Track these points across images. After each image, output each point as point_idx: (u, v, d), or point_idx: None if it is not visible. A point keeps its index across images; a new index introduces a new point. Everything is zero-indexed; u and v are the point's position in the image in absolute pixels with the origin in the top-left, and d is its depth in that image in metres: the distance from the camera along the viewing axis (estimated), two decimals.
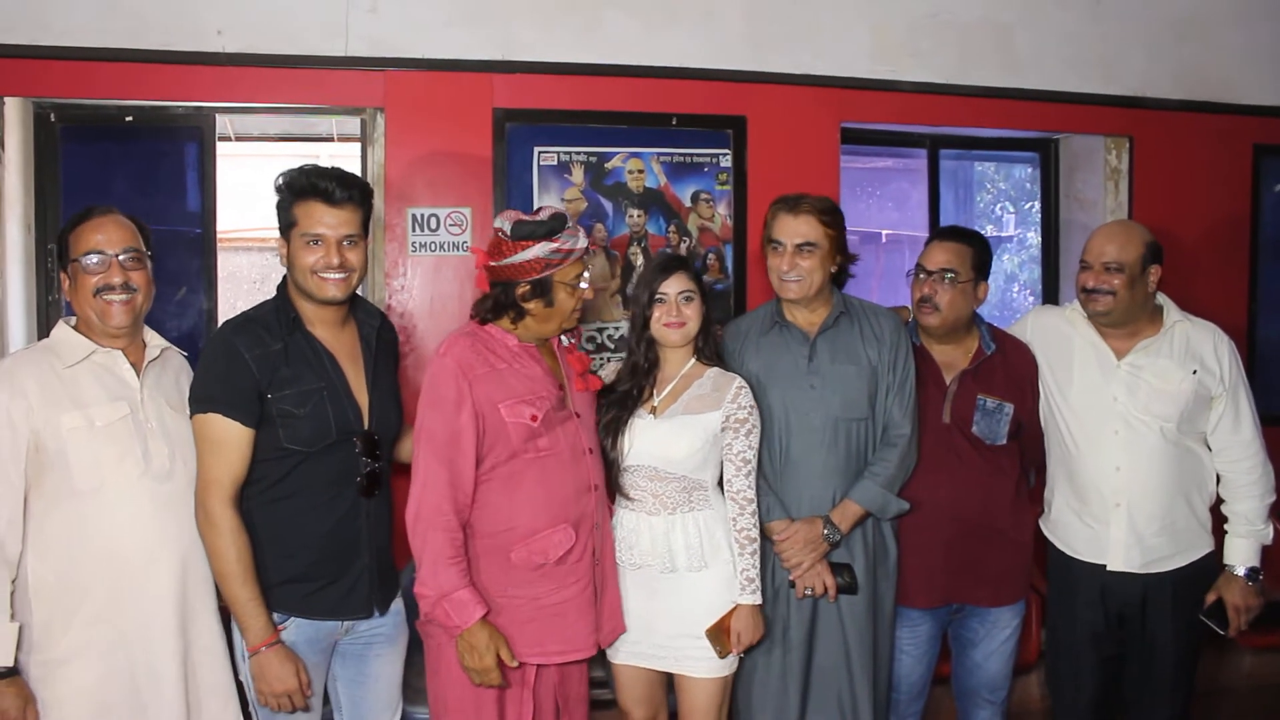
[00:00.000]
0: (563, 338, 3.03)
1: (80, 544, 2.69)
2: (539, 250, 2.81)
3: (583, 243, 2.86)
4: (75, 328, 2.85)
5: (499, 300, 2.89)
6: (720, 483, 3.04)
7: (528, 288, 2.84)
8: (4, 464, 2.65)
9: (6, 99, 3.98)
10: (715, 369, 3.09)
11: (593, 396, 3.03)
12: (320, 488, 2.80)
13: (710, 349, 3.11)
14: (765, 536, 3.11)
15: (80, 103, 4.06)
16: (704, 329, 3.08)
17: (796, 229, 3.16)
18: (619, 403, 3.05)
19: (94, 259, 2.78)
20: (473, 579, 2.78)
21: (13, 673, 2.64)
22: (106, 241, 2.79)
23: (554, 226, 2.83)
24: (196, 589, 2.81)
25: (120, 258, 2.80)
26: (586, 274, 2.90)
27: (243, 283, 8.00)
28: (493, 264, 2.86)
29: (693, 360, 3.10)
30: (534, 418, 2.81)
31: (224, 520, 2.71)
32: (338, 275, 2.80)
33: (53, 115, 4.10)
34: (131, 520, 2.72)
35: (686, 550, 2.97)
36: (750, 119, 4.43)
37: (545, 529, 2.83)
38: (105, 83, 3.98)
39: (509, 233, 2.84)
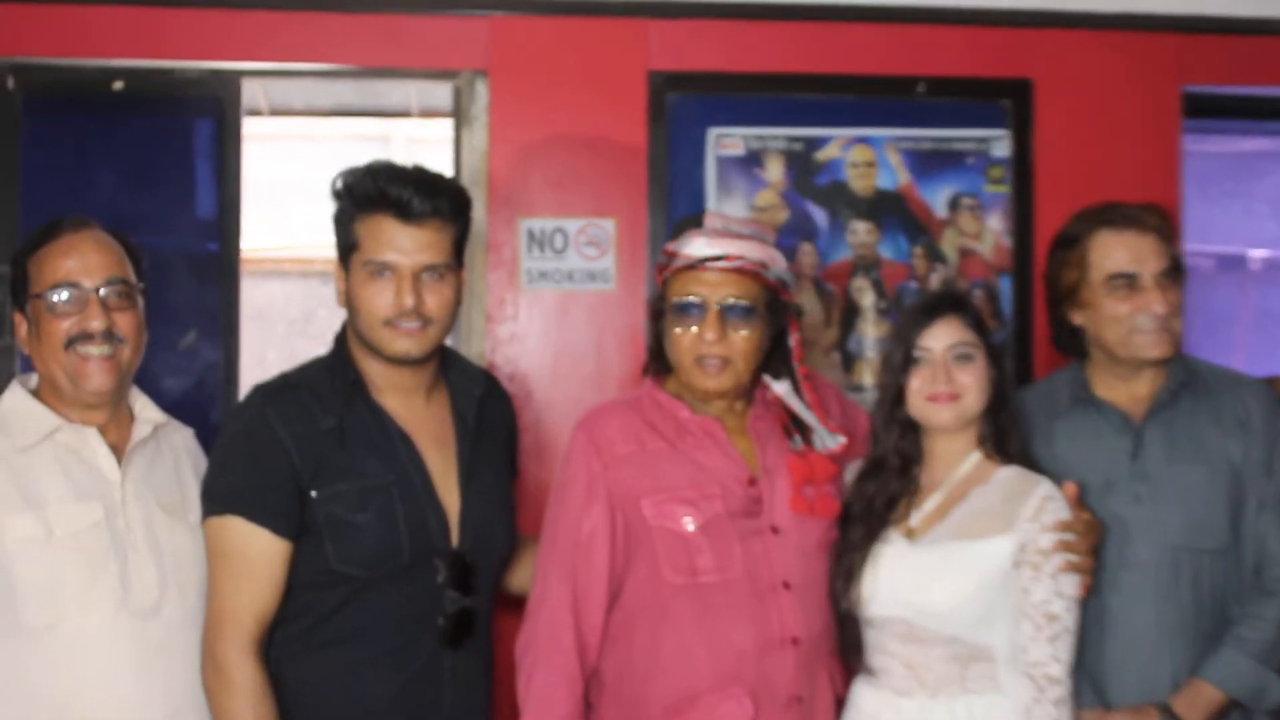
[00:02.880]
0: (810, 426, 3.05)
1: (27, 705, 2.73)
2: (661, 257, 3.03)
3: (704, 249, 2.94)
4: (34, 392, 2.94)
5: (657, 343, 3.06)
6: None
7: (653, 312, 3.06)
8: None
9: None
10: (1011, 468, 3.05)
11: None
12: (385, 632, 2.86)
13: (1004, 436, 3.08)
14: None
15: (51, 63, 4.12)
16: (995, 404, 3.06)
17: (1145, 253, 3.16)
18: (858, 519, 3.04)
19: (64, 295, 2.84)
20: None
21: None
22: (82, 270, 2.85)
23: (681, 224, 3.02)
24: None
25: (101, 292, 2.86)
26: (694, 298, 2.93)
27: (277, 323, 8.23)
28: None
29: (975, 454, 3.07)
30: (690, 523, 2.89)
31: (242, 674, 2.75)
32: (412, 323, 2.88)
33: (11, 80, 4.16)
34: (100, 673, 2.75)
35: None
36: (1038, 83, 4.37)
37: (705, 694, 2.88)
38: (86, 35, 4.05)
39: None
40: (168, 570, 2.84)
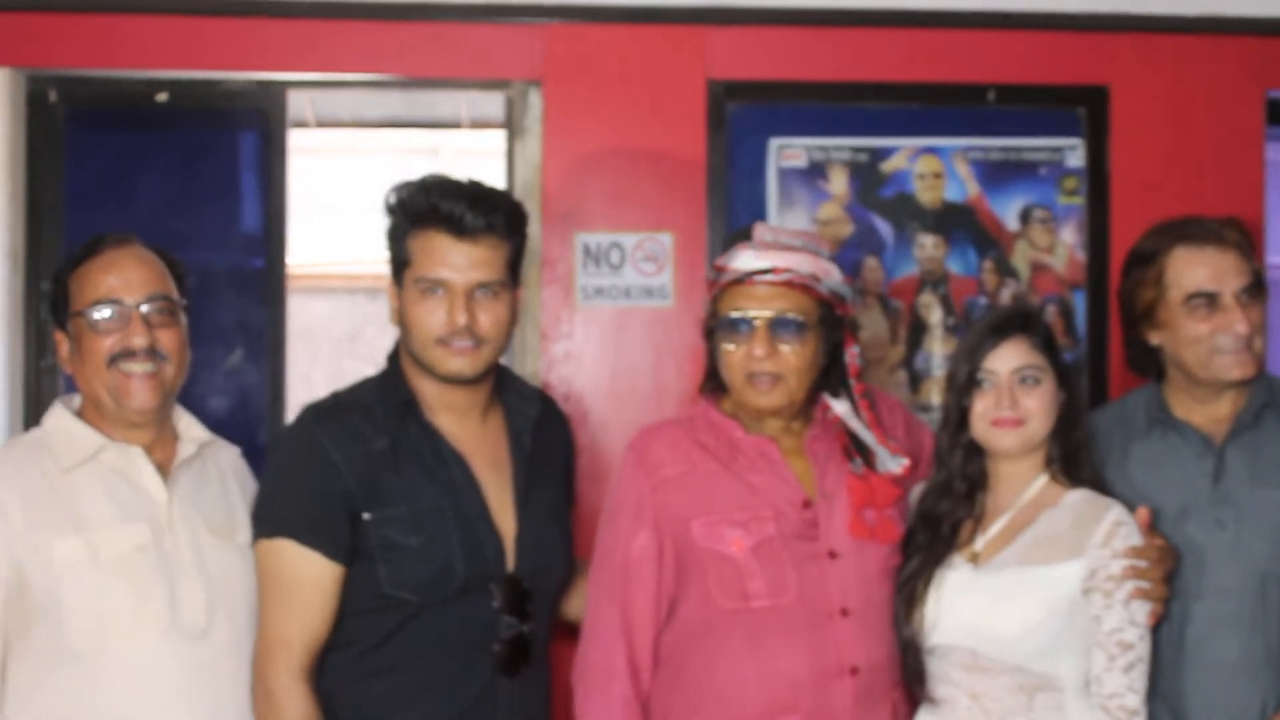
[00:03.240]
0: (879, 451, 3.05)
1: None
2: (709, 272, 3.09)
3: (753, 263, 2.95)
4: (78, 413, 2.95)
5: (714, 365, 3.08)
6: (1088, 682, 2.94)
7: (705, 330, 3.08)
8: None
9: None
10: (1080, 491, 3.04)
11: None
12: (439, 659, 2.88)
13: (1074, 458, 3.07)
14: None
15: (94, 75, 4.21)
16: (1064, 426, 3.05)
17: (1225, 270, 3.13)
18: (921, 545, 3.05)
19: (106, 312, 2.87)
20: None
21: None
22: (123, 286, 2.88)
23: (731, 239, 3.06)
24: None
25: (143, 309, 2.89)
26: (743, 314, 2.94)
27: (322, 341, 8.23)
28: None
29: (1042, 478, 3.07)
30: (740, 546, 2.90)
31: (293, 701, 2.77)
32: (464, 342, 2.90)
33: (54, 93, 4.25)
34: (148, 697, 2.78)
35: None
36: (1115, 89, 4.35)
37: None
38: (129, 45, 4.11)
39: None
40: (216, 593, 2.86)
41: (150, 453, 2.91)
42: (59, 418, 2.93)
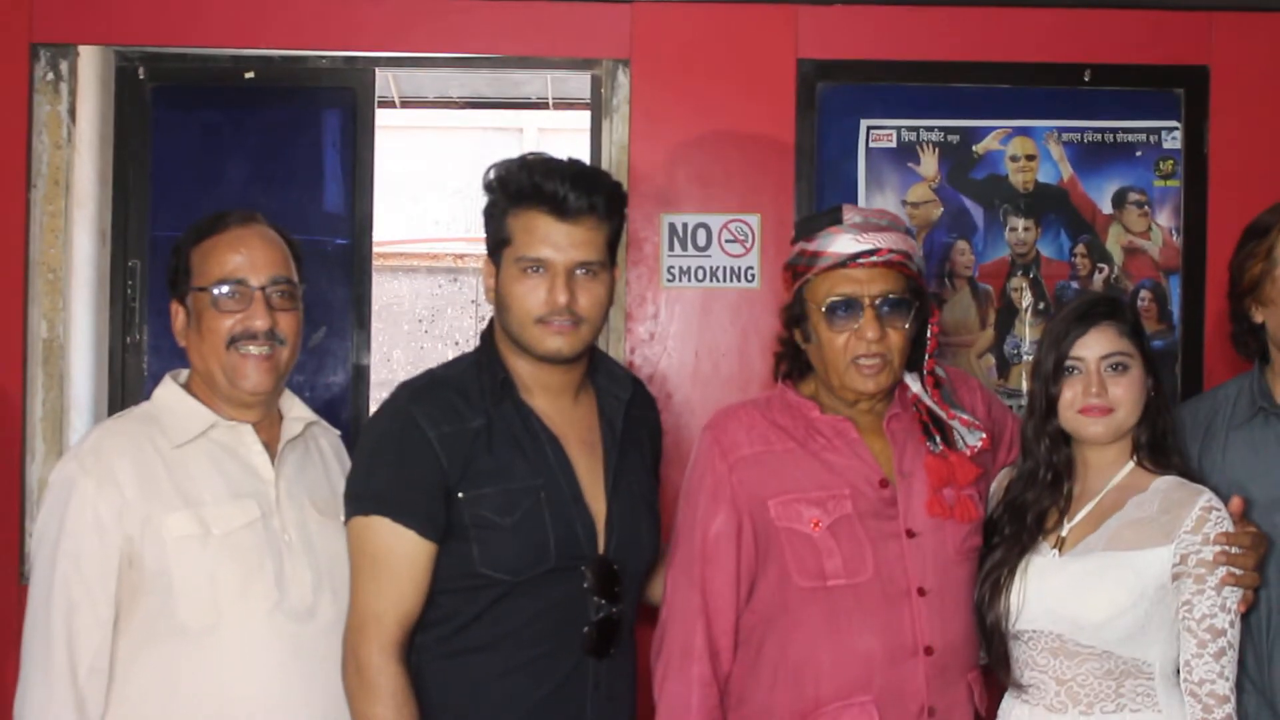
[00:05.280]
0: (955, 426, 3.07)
1: (179, 707, 2.80)
2: (792, 256, 3.06)
3: (853, 245, 2.96)
4: (186, 386, 2.99)
5: (789, 347, 3.11)
6: (1177, 669, 2.96)
7: (787, 316, 3.08)
8: (88, 585, 2.78)
9: (81, 48, 4.24)
10: (1169, 478, 3.05)
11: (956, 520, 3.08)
12: (529, 639, 2.89)
13: (1161, 445, 3.08)
14: None
15: (182, 52, 4.31)
16: (1150, 414, 3.06)
17: None
18: (1006, 533, 3.06)
19: (230, 292, 2.90)
20: None
21: None
22: (249, 266, 2.92)
23: (814, 222, 3.04)
24: None
25: (267, 290, 2.92)
26: (848, 297, 2.95)
27: (402, 320, 8.21)
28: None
29: (1130, 464, 3.08)
30: (817, 524, 2.94)
31: (384, 677, 2.79)
32: (564, 321, 2.90)
33: (142, 71, 4.36)
34: (256, 675, 2.83)
35: None
36: (1215, 70, 4.34)
37: (831, 702, 2.94)
38: (218, 23, 4.21)
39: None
40: (322, 572, 2.91)
41: (258, 431, 2.96)
42: (170, 393, 2.96)
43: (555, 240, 2.87)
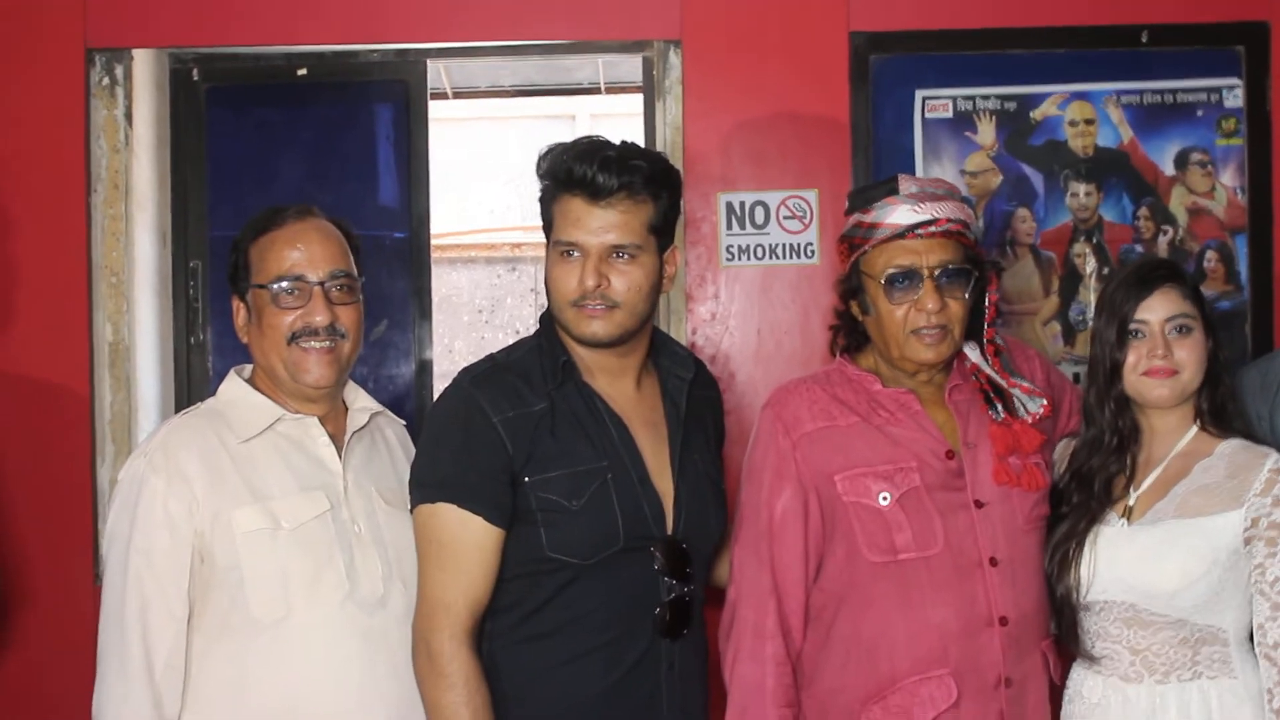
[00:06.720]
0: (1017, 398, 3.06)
1: (253, 701, 2.84)
2: (847, 228, 3.06)
3: (910, 216, 2.96)
4: (250, 381, 3.04)
5: (846, 320, 3.13)
6: (1251, 633, 2.97)
7: (843, 289, 3.09)
8: (160, 581, 2.83)
9: (135, 52, 4.31)
10: (1233, 441, 3.05)
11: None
12: (600, 622, 2.91)
13: (1222, 409, 3.08)
14: None
15: (235, 51, 4.39)
16: (1211, 378, 3.06)
17: None
18: (1074, 502, 3.08)
19: (290, 288, 2.93)
20: None
21: None
22: (307, 261, 2.94)
23: (870, 193, 3.04)
24: None
25: (325, 286, 2.95)
26: (908, 268, 2.95)
27: (462, 312, 8.23)
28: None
29: (1193, 428, 3.09)
30: (887, 498, 2.94)
31: (455, 665, 2.82)
32: (596, 304, 2.91)
33: (197, 71, 4.45)
34: (328, 666, 2.86)
35: None
36: (1276, 26, 4.31)
37: (907, 677, 2.94)
38: (268, 22, 4.27)
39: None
40: (391, 562, 2.93)
41: (324, 423, 2.99)
42: (235, 388, 3.00)
43: (587, 224, 2.88)
